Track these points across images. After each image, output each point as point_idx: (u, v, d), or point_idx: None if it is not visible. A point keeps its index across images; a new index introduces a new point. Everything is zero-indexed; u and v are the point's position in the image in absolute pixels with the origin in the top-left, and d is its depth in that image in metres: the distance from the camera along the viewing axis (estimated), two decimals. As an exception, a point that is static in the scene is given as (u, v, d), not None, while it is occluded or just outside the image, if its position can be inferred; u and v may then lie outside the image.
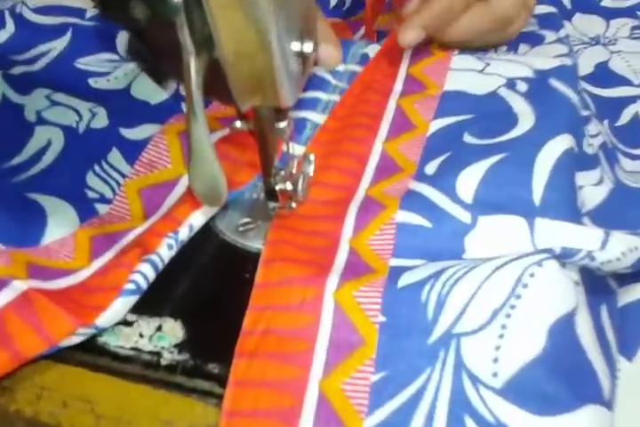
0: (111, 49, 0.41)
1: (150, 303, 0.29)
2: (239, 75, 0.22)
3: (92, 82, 0.39)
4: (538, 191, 0.30)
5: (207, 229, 0.32)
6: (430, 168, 0.33)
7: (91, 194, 0.33)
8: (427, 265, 0.28)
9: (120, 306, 0.27)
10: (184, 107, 0.38)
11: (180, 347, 0.28)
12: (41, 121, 0.36)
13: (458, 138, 0.34)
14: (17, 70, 0.39)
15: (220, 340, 0.27)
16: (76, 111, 0.36)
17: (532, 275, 0.26)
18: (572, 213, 0.30)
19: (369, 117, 0.36)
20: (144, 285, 0.28)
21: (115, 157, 0.35)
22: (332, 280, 0.28)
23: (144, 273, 0.28)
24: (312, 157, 0.33)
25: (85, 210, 0.32)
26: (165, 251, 0.29)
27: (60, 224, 0.31)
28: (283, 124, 0.28)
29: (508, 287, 0.26)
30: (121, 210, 0.33)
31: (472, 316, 0.26)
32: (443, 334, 0.25)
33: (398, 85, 0.39)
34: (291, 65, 0.23)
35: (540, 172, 0.31)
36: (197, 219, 0.30)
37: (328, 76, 0.39)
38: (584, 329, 0.26)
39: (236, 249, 0.31)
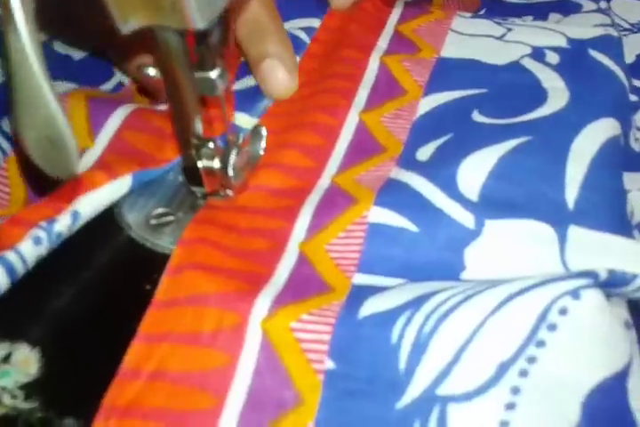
0: None
1: (3, 318, 0.20)
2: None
3: None
4: (572, 190, 0.22)
5: (108, 220, 0.23)
6: (424, 153, 0.25)
7: None
8: (405, 287, 0.20)
9: None
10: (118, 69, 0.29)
11: (29, 389, 0.19)
12: None
13: (464, 116, 0.26)
14: None
15: (91, 383, 0.19)
16: None
17: (563, 311, 0.17)
18: (618, 221, 0.22)
19: (343, 79, 0.28)
20: None
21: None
22: (263, 302, 0.19)
23: None
24: (263, 130, 0.25)
25: None
26: (30, 247, 0.20)
27: None
28: (214, 74, 0.19)
29: (526, 329, 0.17)
30: None
31: (467, 371, 0.17)
32: (420, 395, 0.17)
33: (382, 42, 0.30)
34: None
35: (576, 163, 0.23)
36: (87, 204, 0.22)
37: (303, 35, 0.30)
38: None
39: (142, 250, 0.22)
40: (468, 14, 0.33)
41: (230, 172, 0.21)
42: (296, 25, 0.31)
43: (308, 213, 0.22)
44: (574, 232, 0.20)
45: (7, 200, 0.24)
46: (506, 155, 0.23)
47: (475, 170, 0.22)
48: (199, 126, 0.21)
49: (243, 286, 0.20)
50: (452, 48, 0.30)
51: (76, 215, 0.21)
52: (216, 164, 0.21)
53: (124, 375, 0.18)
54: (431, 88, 0.28)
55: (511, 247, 0.20)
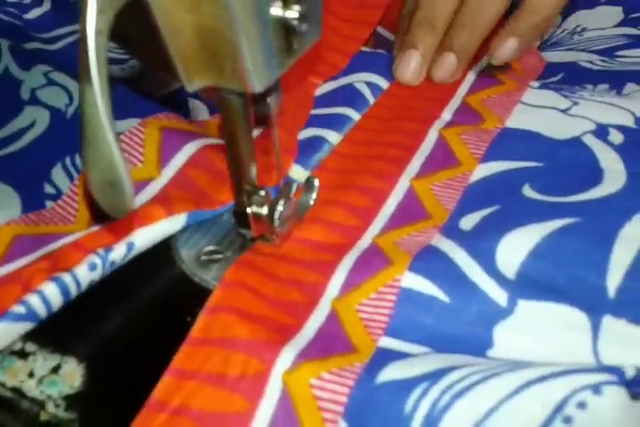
0: None
1: (58, 333, 0.22)
2: (180, 35, 0.15)
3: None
4: (615, 278, 0.21)
5: (164, 253, 0.24)
6: (467, 222, 0.24)
7: (48, 189, 0.26)
8: (427, 357, 0.19)
9: None
10: (191, 103, 0.31)
11: (70, 401, 0.20)
12: (33, 100, 0.30)
13: (514, 189, 0.25)
14: (31, 45, 0.33)
15: (126, 403, 0.19)
16: (69, 93, 0.30)
17: (581, 405, 0.17)
18: None
19: (399, 149, 0.28)
20: (42, 311, 0.20)
21: None
22: (288, 354, 0.19)
23: (45, 295, 0.20)
24: (316, 182, 0.26)
25: (33, 205, 0.25)
26: (85, 271, 0.21)
27: None
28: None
29: (541, 418, 0.17)
30: (67, 208, 0.25)
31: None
32: (426, 469, 0.17)
33: (446, 114, 0.30)
34: (263, 34, 0.15)
35: (623, 249, 0.22)
36: (143, 237, 0.22)
37: (365, 91, 0.31)
38: None
39: (191, 283, 0.24)
40: (538, 84, 0.32)
41: (276, 221, 0.22)
42: (362, 78, 0.31)
43: (345, 270, 0.22)
44: (610, 323, 0.19)
45: (74, 216, 0.25)
46: (550, 234, 0.22)
47: (516, 247, 0.22)
48: (253, 175, 0.22)
49: (271, 336, 0.20)
50: (516, 119, 0.29)
51: (131, 246, 0.22)
52: (264, 211, 0.22)
53: (151, 406, 0.19)
54: (488, 157, 0.27)
55: (542, 331, 0.20)
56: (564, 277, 0.21)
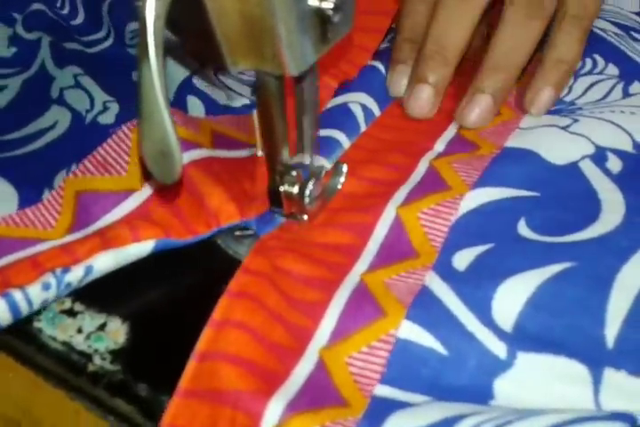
0: None
1: (104, 295, 0.19)
2: (227, 21, 0.15)
3: (135, 75, 0.27)
4: (613, 326, 0.17)
5: None
6: (461, 260, 0.19)
7: (46, 194, 0.22)
8: (431, 406, 0.15)
9: None
10: (190, 100, 0.26)
11: (115, 355, 0.18)
12: (60, 100, 0.26)
13: (509, 226, 0.20)
14: (71, 46, 0.28)
15: (165, 358, 0.18)
16: (92, 100, 0.26)
17: None
18: None
19: (386, 184, 0.22)
20: None
21: None
22: (276, 407, 0.15)
23: None
24: (344, 167, 0.22)
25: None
26: (37, 290, 0.18)
27: None
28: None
29: None
30: (50, 210, 0.21)
31: None
32: None
33: (439, 145, 0.24)
34: (301, 23, 0.15)
35: (621, 295, 0.17)
36: (102, 262, 0.19)
37: (359, 114, 0.24)
38: None
39: (225, 255, 0.21)
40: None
41: (306, 199, 0.20)
42: (357, 99, 0.25)
43: (334, 314, 0.18)
44: (610, 376, 0.16)
45: (55, 219, 0.21)
46: (546, 282, 0.18)
47: (512, 296, 0.18)
48: (286, 155, 0.19)
49: (259, 385, 0.16)
50: (514, 140, 0.24)
51: (89, 269, 0.18)
52: (295, 190, 0.20)
53: None
54: (481, 182, 0.21)
55: (543, 384, 0.16)
56: (562, 326, 0.17)
